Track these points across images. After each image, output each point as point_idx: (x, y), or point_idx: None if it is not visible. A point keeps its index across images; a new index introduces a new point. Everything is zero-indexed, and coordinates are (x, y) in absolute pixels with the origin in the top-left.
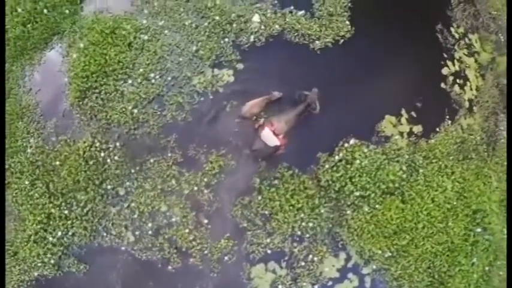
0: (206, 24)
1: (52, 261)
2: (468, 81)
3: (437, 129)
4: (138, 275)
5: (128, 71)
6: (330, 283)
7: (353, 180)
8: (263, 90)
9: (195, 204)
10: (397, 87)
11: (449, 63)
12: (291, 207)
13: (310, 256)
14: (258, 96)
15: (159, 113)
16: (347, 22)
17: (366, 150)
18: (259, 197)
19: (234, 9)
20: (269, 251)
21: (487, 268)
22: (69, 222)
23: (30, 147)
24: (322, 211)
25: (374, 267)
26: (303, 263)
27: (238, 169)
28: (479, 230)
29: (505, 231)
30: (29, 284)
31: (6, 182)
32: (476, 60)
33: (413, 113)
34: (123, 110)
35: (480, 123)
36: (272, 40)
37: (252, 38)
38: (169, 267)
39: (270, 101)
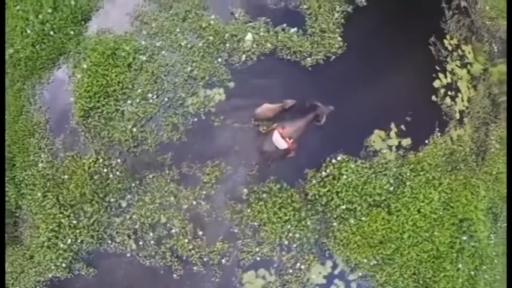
0: (201, 44)
1: (64, 265)
2: (460, 93)
3: (426, 142)
4: (143, 278)
5: (128, 92)
6: None
7: (339, 194)
8: (252, 106)
9: (195, 216)
10: (388, 102)
11: (441, 75)
12: (278, 219)
13: (298, 264)
14: (247, 111)
15: (156, 131)
16: (339, 38)
17: (353, 165)
18: (249, 210)
19: (227, 29)
20: (258, 259)
21: (472, 273)
22: (77, 231)
23: (41, 162)
24: (308, 223)
25: (360, 274)
26: (290, 271)
27: (231, 177)
28: (465, 237)
29: (492, 238)
30: (44, 284)
31: (20, 192)
32: (468, 72)
33: (402, 127)
34: (124, 128)
35: (470, 134)
36: (264, 58)
37: (243, 57)
38: (173, 274)
39: (284, 108)
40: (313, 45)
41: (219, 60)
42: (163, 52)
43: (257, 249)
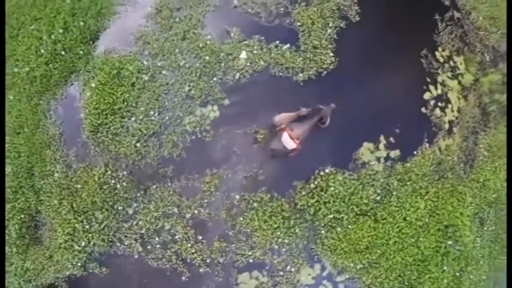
0: (198, 64)
1: (79, 264)
2: (450, 104)
3: (415, 152)
4: (150, 277)
5: (132, 109)
6: None
7: (327, 205)
8: (245, 121)
9: (195, 222)
10: (378, 115)
11: (431, 87)
12: (268, 226)
13: (288, 267)
14: (242, 126)
15: (158, 147)
16: (331, 54)
17: (340, 177)
18: (241, 218)
19: (223, 48)
20: (251, 261)
21: (457, 274)
22: (90, 234)
23: (57, 172)
24: (297, 230)
25: (347, 276)
26: (281, 273)
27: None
28: (450, 242)
29: (478, 241)
30: (62, 280)
31: (39, 199)
32: (459, 82)
33: (391, 139)
34: (129, 143)
35: (459, 143)
36: (257, 75)
37: (237, 76)
38: (181, 277)
39: (299, 116)
40: (305, 61)
41: (214, 79)
42: (163, 72)
43: (250, 253)
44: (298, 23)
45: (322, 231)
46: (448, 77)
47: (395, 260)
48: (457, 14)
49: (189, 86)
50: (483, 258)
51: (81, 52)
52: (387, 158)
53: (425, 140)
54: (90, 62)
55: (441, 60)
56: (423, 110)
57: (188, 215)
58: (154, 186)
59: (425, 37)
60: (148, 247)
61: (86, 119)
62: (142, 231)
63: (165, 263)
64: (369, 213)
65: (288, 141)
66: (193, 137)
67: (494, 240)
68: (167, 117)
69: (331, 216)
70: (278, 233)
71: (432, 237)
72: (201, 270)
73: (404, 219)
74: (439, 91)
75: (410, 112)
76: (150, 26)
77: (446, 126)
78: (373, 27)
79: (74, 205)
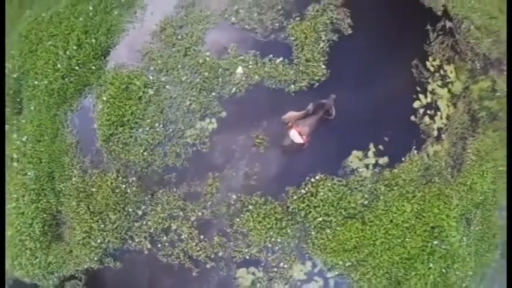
0: (198, 80)
1: (95, 259)
2: (439, 111)
3: (403, 159)
4: (159, 271)
5: (139, 121)
6: (299, 283)
7: (317, 209)
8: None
9: (200, 223)
10: (367, 123)
11: (421, 96)
12: (262, 227)
13: (281, 263)
14: (237, 135)
15: (163, 155)
16: (323, 66)
17: (330, 183)
18: (238, 219)
19: (220, 64)
20: (248, 257)
21: (444, 270)
22: (104, 233)
23: (74, 176)
24: (289, 231)
25: (336, 272)
26: (275, 269)
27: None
28: (436, 242)
29: (464, 240)
30: (81, 272)
31: (59, 200)
32: (449, 91)
33: (380, 146)
34: (137, 152)
35: (447, 149)
36: (252, 88)
37: (233, 90)
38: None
39: (308, 114)
40: (298, 74)
41: (213, 94)
42: (167, 86)
43: (246, 250)
44: (292, 38)
45: (312, 232)
46: (438, 85)
47: (383, 259)
48: (449, 24)
49: (190, 100)
50: (469, 256)
51: (94, 67)
52: (376, 165)
53: (414, 146)
54: (102, 77)
55: (431, 69)
56: (412, 118)
57: (193, 218)
58: (160, 191)
59: (416, 47)
60: (159, 245)
61: (99, 129)
62: (151, 231)
63: (174, 260)
64: (356, 216)
65: (297, 137)
66: (194, 149)
67: (481, 239)
68: (171, 129)
69: (320, 219)
70: (271, 233)
71: (418, 237)
72: (208, 265)
73: (391, 221)
74: (429, 99)
75: (400, 120)
76: (155, 43)
77: (435, 133)
78: (365, 39)
79: (90, 206)
